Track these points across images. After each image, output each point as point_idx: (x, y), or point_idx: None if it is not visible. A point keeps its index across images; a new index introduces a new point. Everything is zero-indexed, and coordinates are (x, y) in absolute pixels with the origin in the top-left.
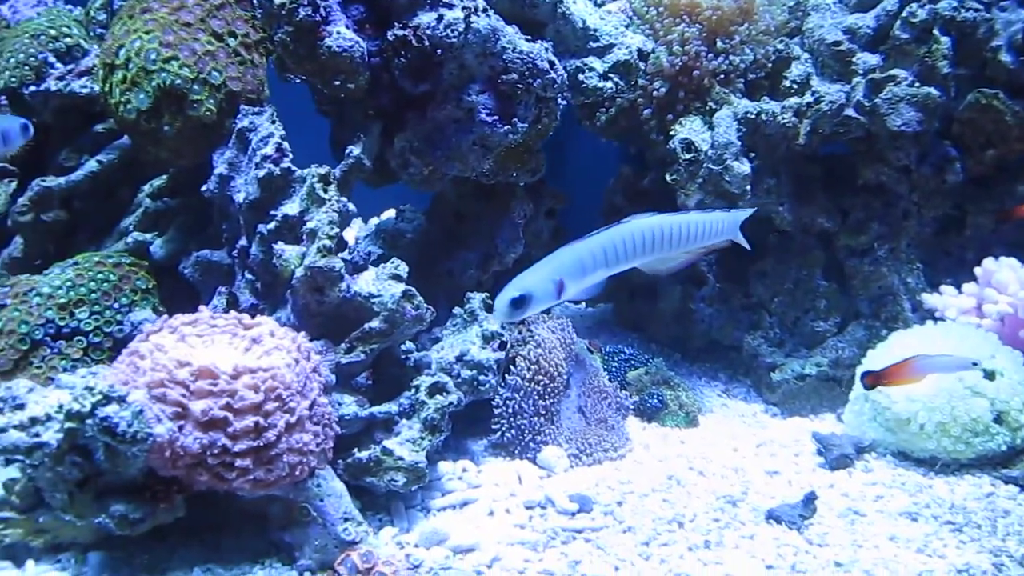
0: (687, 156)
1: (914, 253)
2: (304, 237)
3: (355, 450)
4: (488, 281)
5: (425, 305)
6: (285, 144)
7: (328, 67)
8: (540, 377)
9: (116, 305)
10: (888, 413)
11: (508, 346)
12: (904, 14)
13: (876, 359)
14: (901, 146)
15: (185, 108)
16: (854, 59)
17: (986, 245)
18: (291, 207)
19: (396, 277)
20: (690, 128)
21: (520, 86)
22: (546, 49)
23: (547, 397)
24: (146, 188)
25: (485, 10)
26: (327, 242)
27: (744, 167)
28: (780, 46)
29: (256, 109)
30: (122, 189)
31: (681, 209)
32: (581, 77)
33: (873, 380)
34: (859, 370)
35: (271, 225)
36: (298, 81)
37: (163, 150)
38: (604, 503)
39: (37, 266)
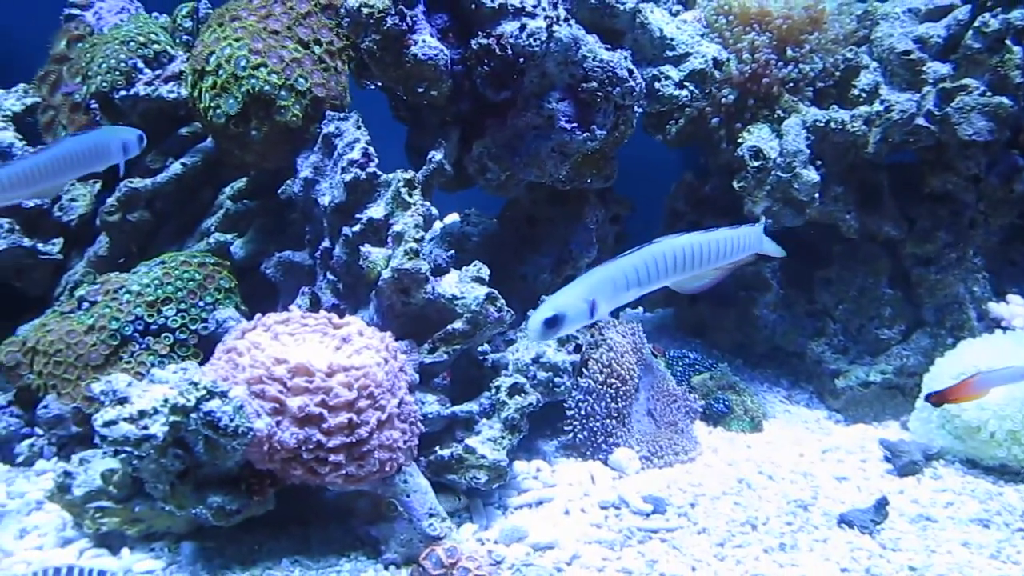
0: (755, 163)
1: (980, 262)
2: (389, 240)
3: (437, 448)
4: (561, 285)
5: (507, 308)
6: (371, 149)
7: (413, 74)
8: (612, 380)
9: (201, 303)
10: (957, 421)
11: (583, 349)
12: (976, 24)
13: (945, 367)
14: (971, 155)
15: (272, 113)
16: (924, 68)
17: None
18: (376, 211)
19: (479, 280)
20: (758, 136)
21: (599, 94)
22: (625, 58)
23: (619, 400)
24: (227, 190)
25: (567, 19)
26: (413, 245)
27: (813, 175)
28: (849, 55)
29: (342, 115)
30: (204, 191)
31: (708, 227)
32: (657, 85)
33: (938, 399)
34: (925, 377)
35: (356, 228)
36: (374, 88)
37: (249, 154)
38: (677, 505)
39: (120, 264)
